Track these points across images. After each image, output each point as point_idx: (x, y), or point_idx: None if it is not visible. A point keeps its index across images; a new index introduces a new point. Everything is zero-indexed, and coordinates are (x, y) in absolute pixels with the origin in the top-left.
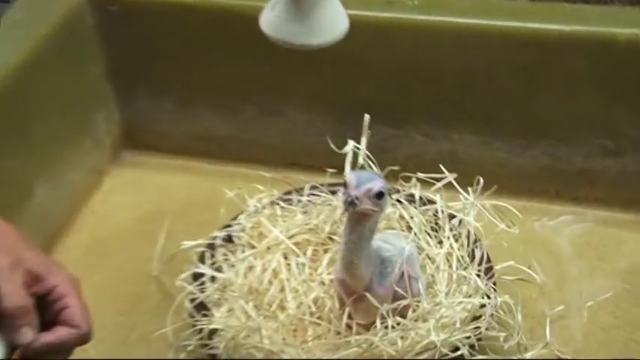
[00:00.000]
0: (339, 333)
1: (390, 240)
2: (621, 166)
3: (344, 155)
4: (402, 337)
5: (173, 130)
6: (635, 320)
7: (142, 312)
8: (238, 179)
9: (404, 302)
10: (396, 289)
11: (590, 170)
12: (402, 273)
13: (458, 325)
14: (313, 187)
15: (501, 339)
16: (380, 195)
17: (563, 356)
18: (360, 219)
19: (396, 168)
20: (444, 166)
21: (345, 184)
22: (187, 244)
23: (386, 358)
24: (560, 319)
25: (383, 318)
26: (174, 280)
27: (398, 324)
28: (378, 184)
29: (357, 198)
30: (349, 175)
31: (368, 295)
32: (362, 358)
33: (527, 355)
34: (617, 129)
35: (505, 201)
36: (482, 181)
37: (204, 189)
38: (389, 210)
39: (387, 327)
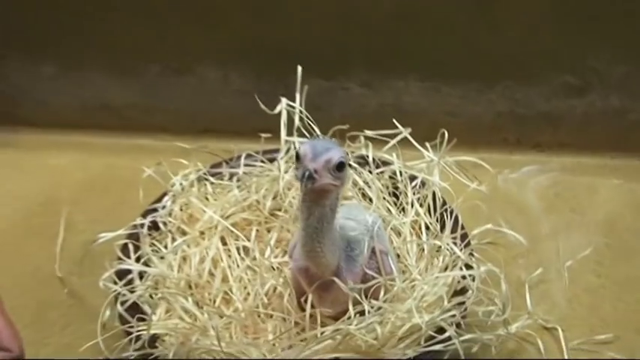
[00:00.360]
0: (298, 325)
1: (351, 214)
2: (587, 105)
3: (273, 117)
4: (380, 323)
5: (56, 100)
6: (620, 278)
7: (51, 323)
8: (147, 153)
9: (376, 282)
10: (367, 271)
11: (554, 112)
12: (372, 250)
13: (446, 303)
14: (247, 157)
15: (487, 314)
16: (340, 166)
17: (549, 325)
18: (319, 197)
19: (345, 127)
20: (389, 121)
21: (297, 157)
22: (105, 236)
23: (364, 349)
24: (540, 284)
25: (356, 303)
26: (85, 280)
27: (373, 308)
28: (337, 154)
29: (315, 171)
30: (303, 145)
31: (337, 281)
32: (336, 352)
33: (512, 329)
34: (582, 63)
35: (460, 154)
36: (447, 134)
37: (106, 168)
38: None
39: (361, 313)
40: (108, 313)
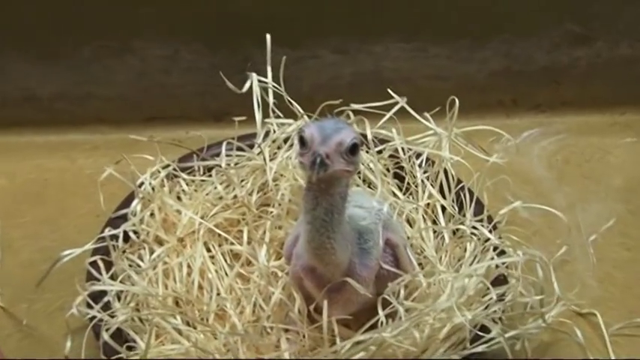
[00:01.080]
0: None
1: (357, 201)
2: (593, 55)
3: (233, 97)
4: (417, 326)
5: None
6: None
7: None
8: (85, 150)
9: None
10: (384, 265)
11: (556, 66)
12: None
13: (493, 297)
14: (217, 146)
15: (520, 305)
16: (354, 149)
17: (583, 311)
18: (329, 186)
19: (336, 102)
20: (368, 90)
21: (301, 141)
22: (71, 253)
23: (402, 358)
24: (565, 265)
25: (385, 304)
26: (36, 307)
27: (408, 311)
28: (349, 135)
29: (327, 156)
30: (310, 127)
31: (351, 282)
32: None
33: (548, 317)
34: (587, 9)
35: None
36: (457, 102)
37: (36, 171)
38: None
39: (390, 317)
40: (69, 344)
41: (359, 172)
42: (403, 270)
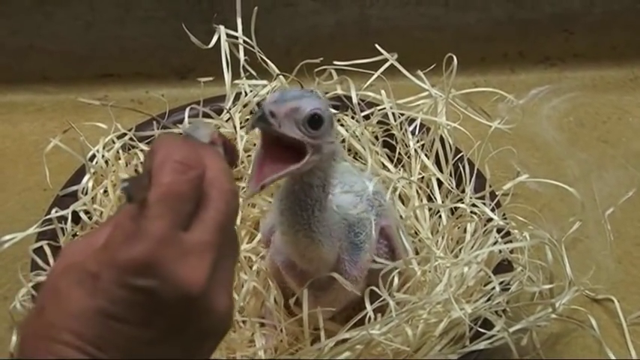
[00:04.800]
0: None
1: (345, 182)
2: (609, 1)
3: (203, 52)
4: (409, 322)
5: None
6: None
7: None
8: (27, 113)
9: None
10: (377, 260)
11: (567, 13)
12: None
13: (496, 287)
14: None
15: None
16: (314, 120)
17: (599, 297)
18: (297, 177)
19: (317, 61)
20: (353, 44)
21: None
22: (13, 237)
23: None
24: (578, 243)
25: (373, 296)
26: None
27: (399, 304)
28: (310, 104)
29: (272, 115)
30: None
31: (339, 278)
32: None
33: (559, 306)
34: None
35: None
36: (455, 60)
37: None
38: None
39: (380, 311)
40: (15, 338)
41: (342, 141)
42: (396, 257)
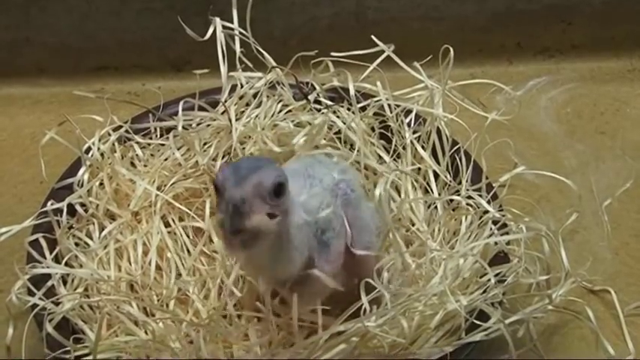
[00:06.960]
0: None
1: (314, 175)
2: None
3: (199, 44)
4: (404, 314)
5: None
6: None
7: None
8: (23, 107)
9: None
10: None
11: (565, 3)
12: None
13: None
14: (174, 103)
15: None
16: (279, 190)
17: (596, 288)
18: (254, 240)
19: (312, 53)
20: (349, 35)
21: (216, 189)
22: (9, 230)
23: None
24: (575, 234)
25: (367, 288)
26: None
27: (395, 296)
28: (271, 174)
29: (243, 201)
30: (221, 171)
31: (315, 272)
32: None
33: (556, 297)
34: None
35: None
36: (452, 51)
37: None
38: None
39: (375, 303)
40: (11, 331)
41: (338, 132)
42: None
